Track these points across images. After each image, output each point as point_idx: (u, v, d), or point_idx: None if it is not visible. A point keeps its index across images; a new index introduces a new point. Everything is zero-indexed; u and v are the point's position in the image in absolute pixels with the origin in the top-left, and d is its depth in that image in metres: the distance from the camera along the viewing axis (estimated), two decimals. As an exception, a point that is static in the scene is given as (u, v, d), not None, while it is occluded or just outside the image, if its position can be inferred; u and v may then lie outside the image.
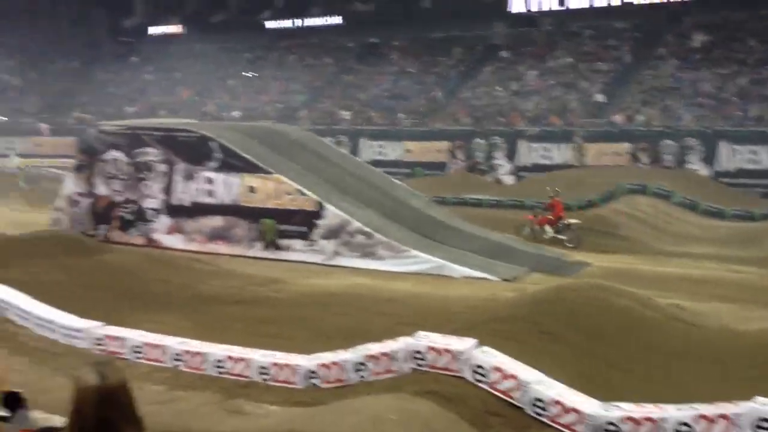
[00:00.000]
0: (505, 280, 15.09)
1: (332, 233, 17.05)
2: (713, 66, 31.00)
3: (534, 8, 37.30)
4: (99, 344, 10.81)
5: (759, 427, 6.93)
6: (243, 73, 43.48)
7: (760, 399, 7.16)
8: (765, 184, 25.25)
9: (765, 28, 31.60)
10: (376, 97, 37.74)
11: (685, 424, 7.26)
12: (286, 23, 45.45)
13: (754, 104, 28.19)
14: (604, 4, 35.42)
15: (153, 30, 49.08)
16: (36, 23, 47.18)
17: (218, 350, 10.01)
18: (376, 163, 27.96)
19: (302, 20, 44.89)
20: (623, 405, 7.82)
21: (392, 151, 32.46)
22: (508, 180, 29.77)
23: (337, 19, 43.74)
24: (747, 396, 7.30)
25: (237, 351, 9.93)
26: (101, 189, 19.97)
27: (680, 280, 15.04)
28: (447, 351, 8.83)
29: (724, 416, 7.14)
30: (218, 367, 9.84)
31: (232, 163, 18.43)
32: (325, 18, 44.15)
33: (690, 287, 14.24)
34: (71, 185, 20.63)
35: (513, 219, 20.81)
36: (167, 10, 50.34)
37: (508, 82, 35.26)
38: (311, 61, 43.00)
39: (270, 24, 45.96)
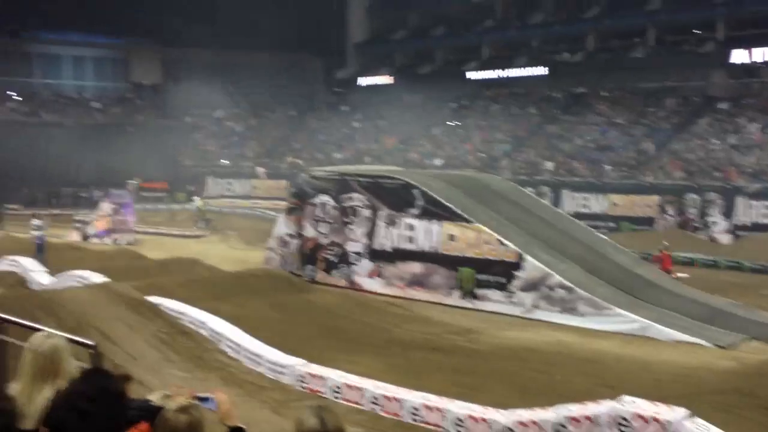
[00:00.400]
0: (720, 347, 13.93)
1: (531, 286, 16.66)
2: None
3: (758, 59, 35.02)
4: (302, 381, 11.17)
5: None
6: (447, 122, 44.26)
7: None
8: None
9: None
10: (580, 148, 36.91)
11: None
12: (491, 74, 45.86)
13: None
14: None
15: (363, 81, 51.37)
16: (260, 76, 50.98)
17: (414, 397, 9.99)
18: (579, 216, 27.15)
19: (507, 71, 45.08)
20: None
21: (596, 203, 31.47)
22: (724, 239, 27.74)
23: (542, 70, 43.51)
24: None
25: (433, 400, 9.86)
26: (309, 231, 20.92)
27: None
28: (655, 420, 8.23)
29: None
30: (414, 414, 9.82)
31: (434, 211, 18.63)
32: (530, 68, 44.07)
33: None
34: (283, 226, 21.80)
35: (729, 281, 19.34)
36: (378, 62, 52.63)
37: (726, 135, 33.19)
38: (515, 110, 42.96)
39: (475, 74, 46.58)
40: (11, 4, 43.93)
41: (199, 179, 43.24)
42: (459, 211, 18.36)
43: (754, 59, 35.14)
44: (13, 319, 7.56)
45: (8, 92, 48.02)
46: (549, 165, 35.59)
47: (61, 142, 40.55)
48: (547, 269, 16.61)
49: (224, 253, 25.10)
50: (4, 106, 46.44)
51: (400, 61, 52.22)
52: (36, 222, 22.25)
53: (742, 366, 11.59)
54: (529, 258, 16.88)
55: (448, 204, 18.54)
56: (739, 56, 35.48)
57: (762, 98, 34.73)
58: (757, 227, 27.02)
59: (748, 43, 35.16)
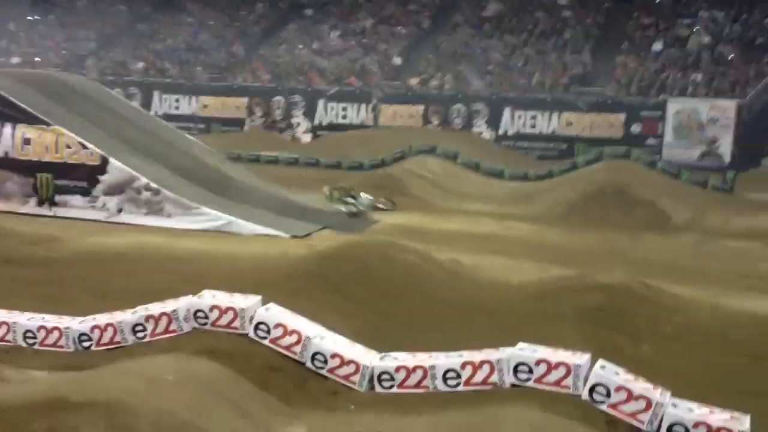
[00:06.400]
0: (295, 236, 15.12)
1: (116, 189, 16.21)
2: (503, 35, 32.63)
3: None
4: None
5: (517, 370, 7.46)
6: (27, 18, 40.02)
7: (521, 345, 7.68)
8: (540, 147, 27.39)
9: (550, 1, 33.70)
10: (172, 49, 36.19)
11: (452, 370, 7.66)
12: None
13: (537, 73, 29.97)
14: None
15: None
16: None
17: (-20, 315, 9.23)
18: (170, 118, 27.00)
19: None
20: (398, 355, 8.12)
21: (188, 105, 31.39)
22: (306, 138, 29.85)
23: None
24: (512, 342, 7.79)
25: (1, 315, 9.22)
26: None
27: (461, 236, 15.82)
28: (230, 309, 8.70)
29: (487, 362, 7.60)
30: (-20, 333, 9.08)
31: (6, 113, 16.96)
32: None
33: (470, 243, 15.00)
34: None
35: (308, 177, 20.92)
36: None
37: (310, 41, 35.10)
38: (103, 7, 40.39)
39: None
40: None
41: None
42: (34, 113, 16.93)
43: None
44: None
45: None
46: (139, 65, 34.39)
47: None
48: (132, 172, 16.24)
49: None
50: None
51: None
52: None
53: (312, 252, 12.72)
54: (113, 161, 16.33)
55: (21, 104, 16.97)
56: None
57: (344, 7, 37.11)
58: (333, 127, 29.49)
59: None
